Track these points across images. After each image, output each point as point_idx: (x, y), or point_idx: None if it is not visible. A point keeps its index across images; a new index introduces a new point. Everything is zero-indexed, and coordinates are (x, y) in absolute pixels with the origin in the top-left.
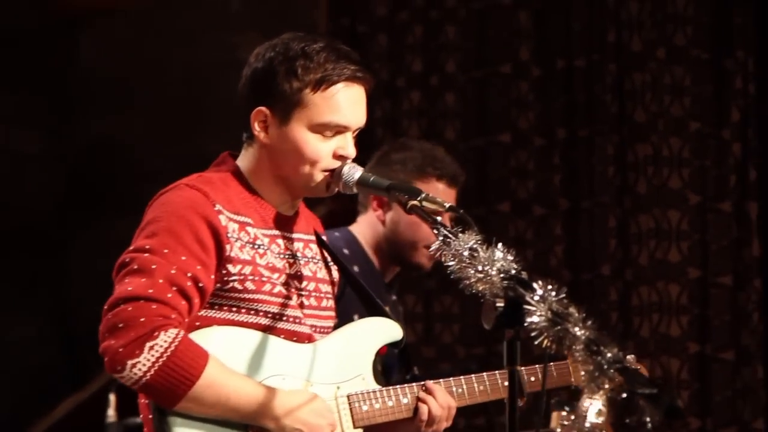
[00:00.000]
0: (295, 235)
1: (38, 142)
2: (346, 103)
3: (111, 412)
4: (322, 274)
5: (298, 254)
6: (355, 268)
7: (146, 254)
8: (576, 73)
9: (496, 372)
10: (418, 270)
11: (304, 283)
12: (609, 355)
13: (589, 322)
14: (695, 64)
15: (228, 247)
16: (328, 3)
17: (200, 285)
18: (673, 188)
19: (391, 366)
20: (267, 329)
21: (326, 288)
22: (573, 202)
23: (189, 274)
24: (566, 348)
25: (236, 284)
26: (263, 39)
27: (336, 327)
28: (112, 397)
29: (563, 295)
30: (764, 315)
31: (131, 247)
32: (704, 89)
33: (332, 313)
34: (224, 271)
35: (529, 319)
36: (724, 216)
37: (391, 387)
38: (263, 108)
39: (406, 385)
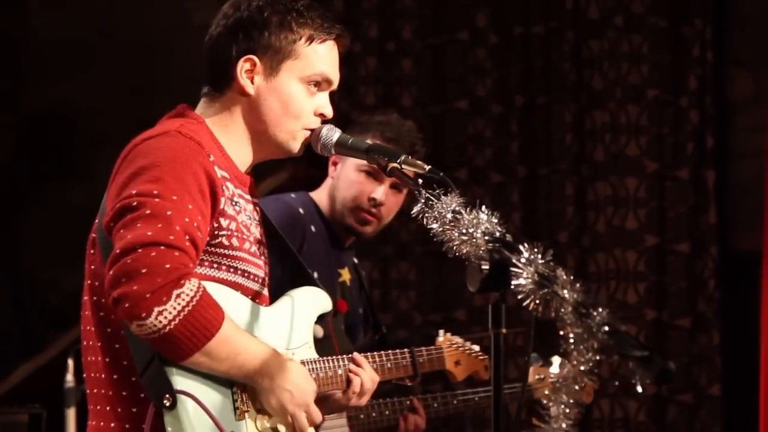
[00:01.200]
0: (250, 196)
1: None
2: (333, 60)
3: (69, 377)
4: (264, 238)
5: (255, 215)
6: (312, 228)
7: (156, 199)
8: (533, 40)
9: (397, 351)
10: (354, 233)
11: (259, 247)
12: (598, 317)
13: (578, 285)
14: (653, 31)
15: (223, 200)
16: None
17: (200, 236)
18: (630, 156)
19: (354, 324)
20: (242, 289)
21: (265, 252)
22: (530, 169)
23: (195, 224)
24: (554, 311)
25: (224, 239)
26: (218, 4)
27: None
28: (70, 362)
29: (550, 258)
30: (720, 282)
31: (133, 191)
32: (662, 57)
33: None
34: (216, 224)
35: (515, 282)
36: (681, 183)
37: (327, 358)
38: (253, 56)
39: (338, 357)
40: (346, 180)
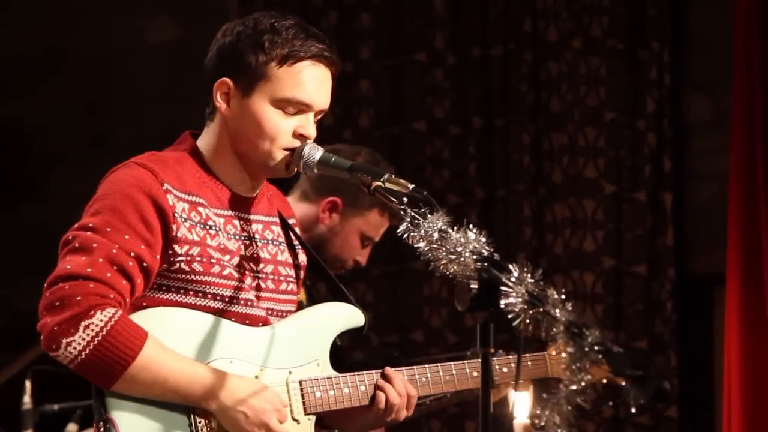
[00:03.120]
0: (253, 217)
1: None
2: (311, 81)
3: (27, 399)
4: (284, 256)
5: (257, 236)
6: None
7: (88, 232)
8: (492, 61)
9: (464, 362)
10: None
11: (261, 266)
12: (590, 337)
13: (569, 304)
14: (611, 54)
15: (174, 227)
16: None
17: (144, 265)
18: (588, 177)
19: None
20: (216, 312)
21: (287, 271)
22: (488, 191)
23: (132, 254)
24: (545, 330)
25: (183, 265)
26: (173, 22)
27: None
28: (28, 384)
29: (540, 277)
30: (677, 304)
31: (75, 225)
32: (620, 80)
33: (292, 297)
34: (170, 252)
35: (505, 301)
36: (638, 205)
37: (348, 374)
38: (226, 79)
39: (365, 372)
40: (345, 242)
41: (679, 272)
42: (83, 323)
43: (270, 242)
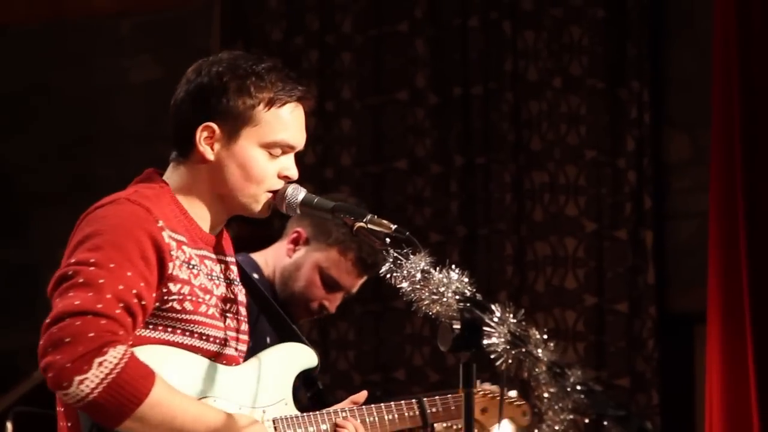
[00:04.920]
0: (219, 257)
1: None
2: (295, 123)
3: None
4: (241, 296)
5: (222, 275)
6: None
7: (92, 267)
8: (473, 101)
9: (402, 402)
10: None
11: (228, 305)
12: (572, 377)
13: (551, 344)
14: (591, 93)
15: (171, 265)
16: (221, 26)
17: (143, 303)
18: (569, 216)
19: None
20: (200, 351)
21: (243, 311)
22: (470, 229)
23: (134, 291)
24: (527, 370)
25: (175, 304)
26: (155, 63)
27: (250, 350)
28: (9, 425)
29: (522, 318)
30: (659, 342)
31: (72, 260)
32: (600, 118)
33: (247, 337)
34: (165, 290)
35: (488, 341)
36: (619, 243)
37: (311, 413)
38: (211, 123)
39: (324, 411)
40: (306, 277)
41: (660, 310)
42: (97, 360)
43: (232, 282)
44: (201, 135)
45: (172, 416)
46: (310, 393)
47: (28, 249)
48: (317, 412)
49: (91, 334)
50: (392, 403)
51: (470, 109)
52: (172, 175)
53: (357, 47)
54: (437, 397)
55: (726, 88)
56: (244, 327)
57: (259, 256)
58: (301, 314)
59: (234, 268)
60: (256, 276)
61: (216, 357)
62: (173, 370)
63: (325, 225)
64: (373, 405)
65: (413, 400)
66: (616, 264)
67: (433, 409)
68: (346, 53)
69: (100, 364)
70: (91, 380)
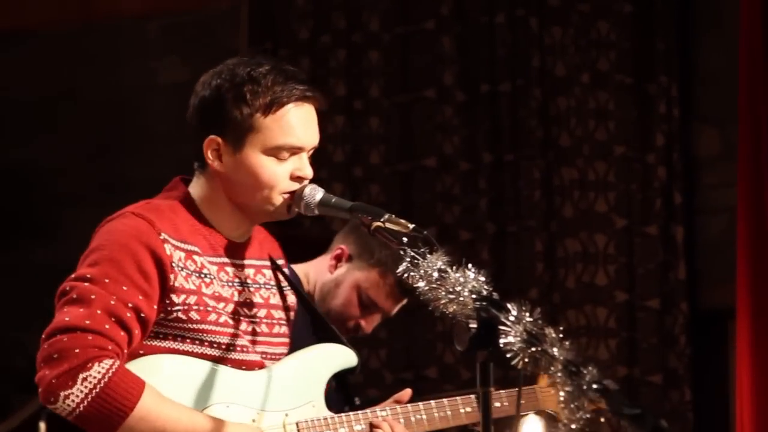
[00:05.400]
0: (245, 262)
1: None
2: (298, 123)
3: None
4: (276, 299)
5: (249, 281)
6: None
7: (86, 283)
8: (501, 97)
9: (457, 398)
10: None
11: (255, 310)
12: (588, 375)
13: (567, 343)
14: (619, 89)
15: (172, 276)
16: (249, 27)
17: (142, 315)
18: (599, 212)
19: (330, 403)
20: (213, 358)
21: (279, 314)
22: (499, 226)
23: (129, 305)
24: (543, 369)
25: (180, 314)
26: (183, 64)
27: (290, 352)
28: (42, 426)
29: (538, 316)
30: (691, 338)
31: (72, 276)
32: (628, 114)
33: (285, 339)
34: (168, 301)
35: (504, 340)
36: (650, 239)
37: (344, 414)
38: (215, 137)
39: (359, 412)
40: (343, 295)
41: (692, 306)
42: (81, 376)
43: (262, 286)
44: (208, 149)
45: (162, 427)
46: (348, 407)
47: (58, 251)
48: (352, 413)
49: (77, 350)
50: (445, 399)
51: (498, 106)
52: (195, 184)
53: (384, 45)
54: (502, 391)
55: (753, 83)
56: (278, 330)
57: (300, 269)
58: (338, 331)
59: (267, 272)
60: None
61: (232, 363)
62: (181, 378)
63: (368, 244)
64: (420, 402)
65: (471, 396)
66: (646, 260)
67: (496, 404)
68: (374, 51)
69: (84, 379)
70: (76, 395)
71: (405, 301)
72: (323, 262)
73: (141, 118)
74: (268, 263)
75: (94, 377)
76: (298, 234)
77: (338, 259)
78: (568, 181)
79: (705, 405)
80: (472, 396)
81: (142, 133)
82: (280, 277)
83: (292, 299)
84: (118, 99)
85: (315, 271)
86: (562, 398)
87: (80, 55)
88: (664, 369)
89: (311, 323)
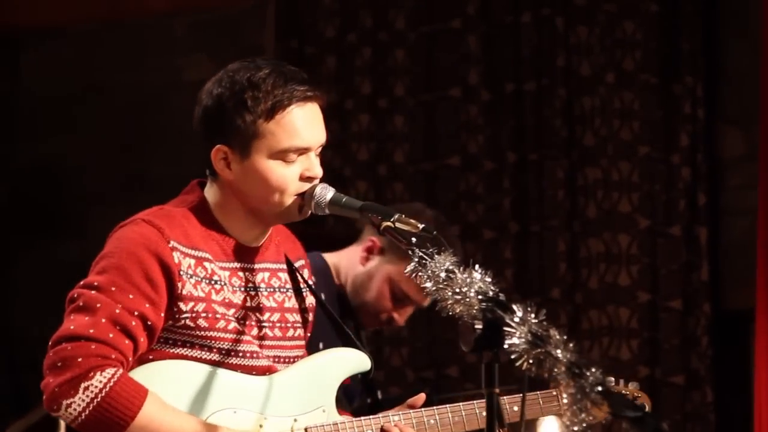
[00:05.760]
0: (259, 266)
1: None
2: (302, 124)
3: None
4: (291, 303)
5: (262, 285)
6: (322, 296)
7: (93, 291)
8: (525, 97)
9: (474, 401)
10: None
11: (267, 315)
12: (591, 378)
13: (571, 345)
14: (644, 88)
15: (180, 284)
16: (276, 24)
17: (148, 323)
18: (622, 212)
19: (352, 395)
20: (221, 364)
21: (294, 317)
22: (523, 225)
23: (135, 313)
24: (547, 371)
25: (188, 321)
26: (209, 61)
27: (313, 352)
28: (62, 421)
29: (543, 318)
30: (713, 339)
31: (81, 282)
32: (653, 114)
33: (300, 342)
34: (175, 309)
35: (508, 341)
36: (673, 240)
37: (355, 419)
38: (221, 146)
39: (371, 416)
40: (376, 288)
41: (714, 307)
42: (83, 385)
43: (277, 290)
44: (216, 158)
45: None
46: (370, 400)
47: (85, 248)
48: (362, 418)
49: (80, 359)
50: (461, 403)
51: (523, 105)
52: (209, 190)
53: (410, 44)
54: (538, 392)
55: None
56: (292, 333)
57: (331, 258)
58: (371, 323)
59: (282, 275)
60: (314, 279)
61: (241, 368)
62: (186, 384)
63: None
64: (435, 407)
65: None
66: (669, 261)
67: (515, 408)
68: (399, 50)
69: (86, 388)
70: (78, 404)
71: None
72: (354, 253)
73: (167, 115)
74: (284, 266)
75: (96, 386)
76: (322, 233)
77: (370, 251)
78: (591, 180)
79: (727, 406)
80: None
81: (168, 130)
82: (299, 278)
83: (311, 300)
84: (144, 96)
85: (346, 263)
86: (564, 399)
87: (107, 53)
88: (686, 370)
89: (327, 324)
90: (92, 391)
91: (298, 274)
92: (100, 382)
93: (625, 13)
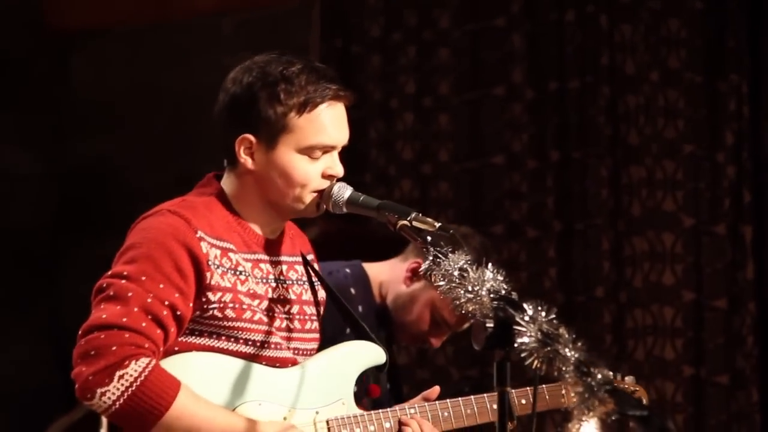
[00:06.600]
0: (278, 258)
1: (31, 162)
2: (331, 122)
3: None
4: (308, 296)
5: (282, 277)
6: (360, 308)
7: (123, 281)
8: (569, 95)
9: (485, 395)
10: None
11: (287, 307)
12: (599, 376)
13: (579, 343)
14: (689, 86)
15: (208, 275)
16: (321, 24)
17: (178, 313)
18: (667, 211)
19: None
20: (247, 356)
21: (311, 310)
22: (566, 224)
23: (166, 303)
24: (556, 369)
25: (216, 312)
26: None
27: (320, 348)
28: (104, 418)
29: (553, 316)
30: (759, 338)
31: (109, 273)
32: (698, 112)
33: (316, 335)
34: (204, 299)
35: (519, 340)
36: (718, 239)
37: (373, 411)
38: (248, 135)
39: (388, 409)
40: (417, 312)
41: (760, 306)
42: (118, 373)
43: (295, 282)
44: (240, 147)
45: (197, 427)
46: (392, 392)
47: None
48: (380, 411)
49: (114, 348)
50: (472, 396)
51: (567, 103)
52: (226, 181)
53: (454, 43)
54: (527, 388)
55: None
56: (309, 326)
57: (372, 270)
58: (406, 340)
59: (299, 267)
60: (353, 290)
61: (265, 360)
62: (215, 375)
63: None
64: (448, 399)
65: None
66: (714, 259)
67: (522, 401)
68: (444, 49)
69: (121, 377)
70: (113, 392)
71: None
72: (398, 270)
73: (212, 114)
74: (299, 259)
75: (131, 375)
76: (364, 232)
77: (414, 272)
78: (636, 179)
79: None
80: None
81: (213, 130)
82: (311, 272)
83: (322, 294)
84: (190, 95)
85: (388, 278)
86: (573, 398)
87: (154, 52)
88: (731, 369)
89: (343, 319)
90: (127, 380)
91: (311, 268)
92: (135, 371)
93: (669, 10)
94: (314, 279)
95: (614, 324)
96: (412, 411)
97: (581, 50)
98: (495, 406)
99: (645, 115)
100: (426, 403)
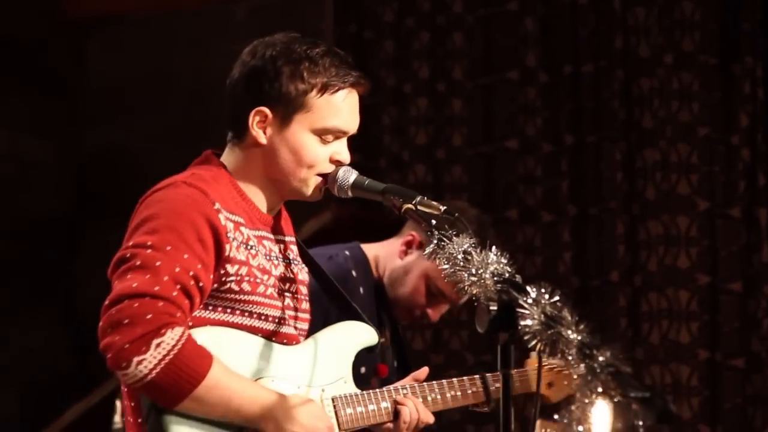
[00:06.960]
0: (278, 237)
1: (48, 149)
2: (348, 108)
3: (117, 419)
4: (302, 275)
5: (281, 255)
6: (361, 290)
7: (149, 250)
8: (583, 79)
9: (465, 378)
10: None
11: (288, 285)
12: (601, 358)
13: (582, 326)
14: (703, 69)
15: (228, 246)
16: (335, 9)
17: (201, 284)
18: (681, 194)
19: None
20: (260, 331)
21: (304, 290)
22: (581, 208)
23: (191, 273)
24: (559, 351)
25: (233, 285)
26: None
27: (310, 328)
28: (118, 404)
29: (557, 299)
30: None
31: (130, 243)
32: (712, 95)
33: (308, 316)
34: (222, 271)
35: (522, 323)
36: (733, 222)
37: (371, 391)
38: (264, 108)
39: (385, 389)
40: (412, 283)
41: None
42: (155, 341)
43: (291, 261)
44: (254, 119)
45: (228, 397)
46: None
47: None
48: (377, 390)
49: (149, 316)
50: (454, 379)
51: (581, 87)
52: (228, 156)
53: (468, 27)
54: (488, 374)
55: None
56: (305, 306)
57: (370, 250)
58: (404, 317)
59: (294, 247)
60: (354, 273)
61: (275, 336)
62: (231, 350)
63: None
64: (434, 382)
65: (476, 376)
66: (729, 243)
67: (497, 385)
68: (457, 33)
69: (158, 345)
70: (150, 361)
71: None
72: (394, 245)
73: (226, 85)
74: (293, 239)
75: (168, 344)
76: (376, 218)
77: (408, 245)
78: (650, 162)
79: None
80: (476, 377)
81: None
82: (299, 251)
83: (305, 275)
84: (204, 81)
85: (384, 255)
86: (575, 379)
87: (168, 39)
88: (746, 353)
89: (332, 300)
90: (164, 348)
91: (299, 248)
92: (172, 339)
93: None
94: (299, 259)
95: (629, 308)
96: (405, 391)
97: (595, 34)
98: (473, 389)
99: (659, 98)
100: (416, 384)
